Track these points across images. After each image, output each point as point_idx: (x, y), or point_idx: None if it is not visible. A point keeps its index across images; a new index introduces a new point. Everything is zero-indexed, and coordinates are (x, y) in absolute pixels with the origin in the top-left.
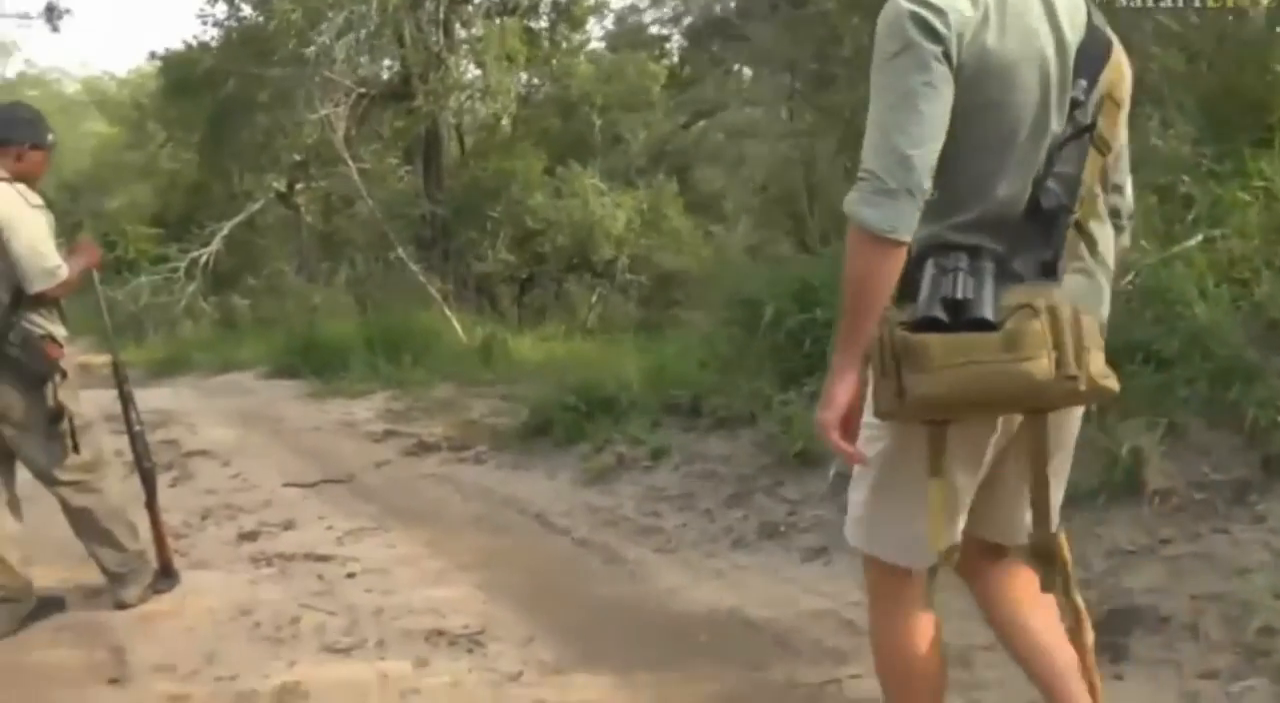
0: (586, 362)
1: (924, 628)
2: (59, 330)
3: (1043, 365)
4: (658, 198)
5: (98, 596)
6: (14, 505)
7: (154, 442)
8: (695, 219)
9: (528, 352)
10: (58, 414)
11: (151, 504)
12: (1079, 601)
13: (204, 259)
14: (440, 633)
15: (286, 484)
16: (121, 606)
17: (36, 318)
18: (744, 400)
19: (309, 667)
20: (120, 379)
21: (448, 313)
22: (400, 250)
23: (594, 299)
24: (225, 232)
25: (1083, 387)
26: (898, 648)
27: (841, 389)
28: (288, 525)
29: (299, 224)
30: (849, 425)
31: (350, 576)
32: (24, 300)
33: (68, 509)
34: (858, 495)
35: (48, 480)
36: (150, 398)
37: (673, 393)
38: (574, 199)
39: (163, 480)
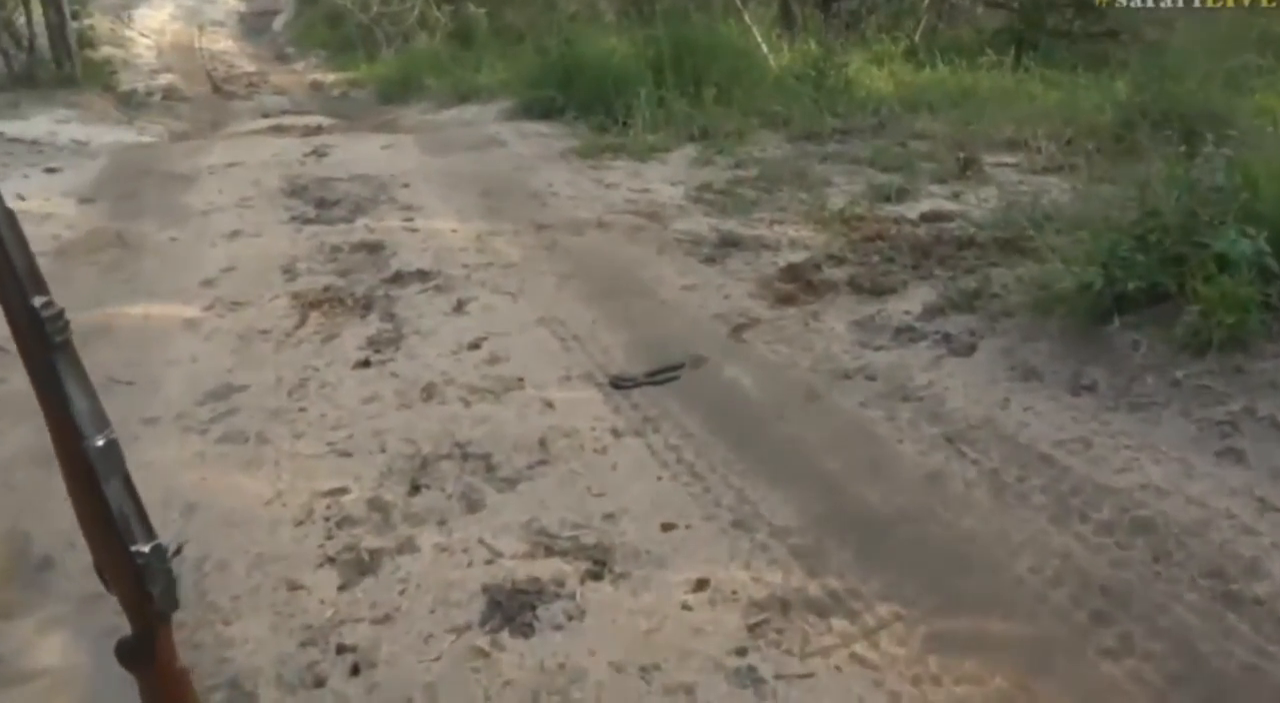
0: (979, 98)
1: None
2: None
3: None
4: None
5: None
6: None
7: (349, 244)
8: None
9: (866, 80)
10: None
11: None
12: None
13: None
14: None
15: (572, 379)
16: None
17: None
18: None
19: None
20: None
21: (748, 22)
22: None
23: (925, 3)
24: None
25: None
26: None
27: None
28: (599, 558)
29: None
30: None
31: None
32: None
33: None
34: None
35: None
36: (360, 154)
37: None
38: None
39: (351, 339)
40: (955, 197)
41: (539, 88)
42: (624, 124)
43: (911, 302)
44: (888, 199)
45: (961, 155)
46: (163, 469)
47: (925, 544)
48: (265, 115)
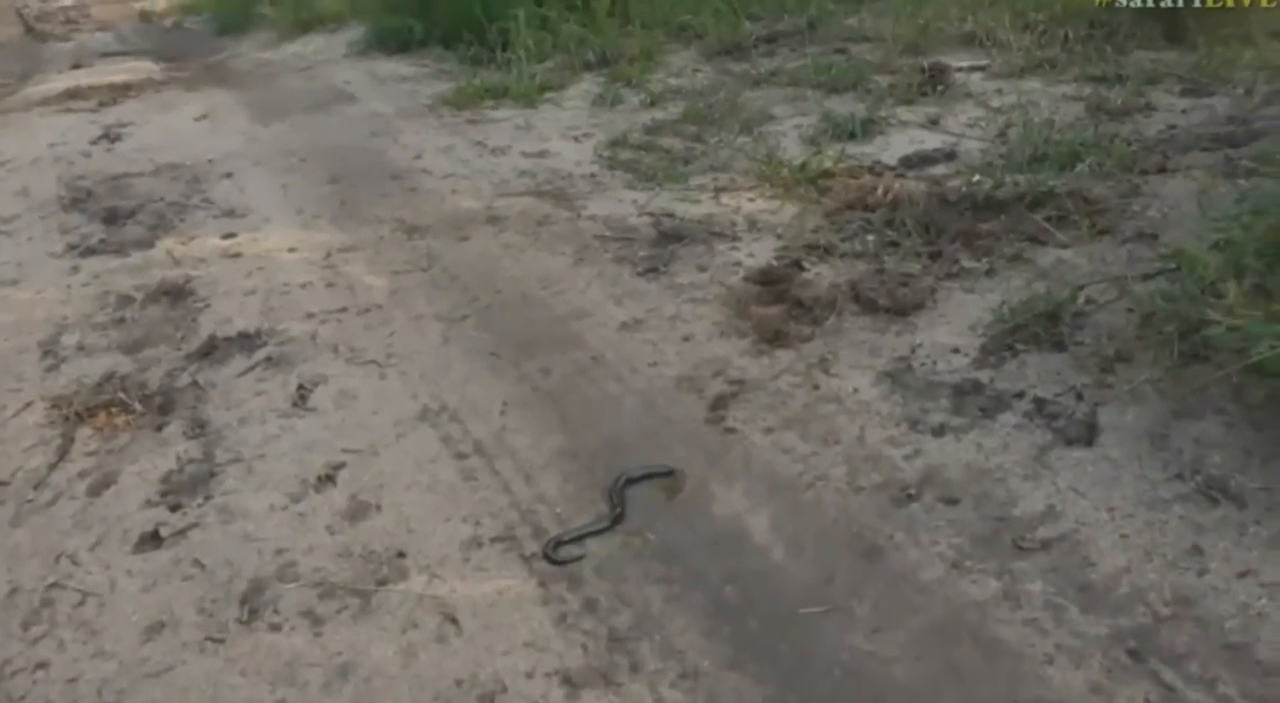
0: None
1: None
2: None
3: None
4: None
5: None
6: None
7: (144, 290)
8: None
9: None
10: None
11: None
12: None
13: None
14: None
15: (482, 545)
16: None
17: None
18: None
19: None
20: None
21: None
22: None
23: None
24: None
25: None
26: None
27: None
28: None
29: None
30: None
31: None
32: None
33: None
34: None
35: None
36: (169, 130)
37: None
38: None
39: (137, 484)
40: (934, 124)
41: (393, 11)
42: (503, 51)
43: (954, 325)
44: (852, 136)
45: (925, 64)
46: None
47: None
48: (78, 65)
